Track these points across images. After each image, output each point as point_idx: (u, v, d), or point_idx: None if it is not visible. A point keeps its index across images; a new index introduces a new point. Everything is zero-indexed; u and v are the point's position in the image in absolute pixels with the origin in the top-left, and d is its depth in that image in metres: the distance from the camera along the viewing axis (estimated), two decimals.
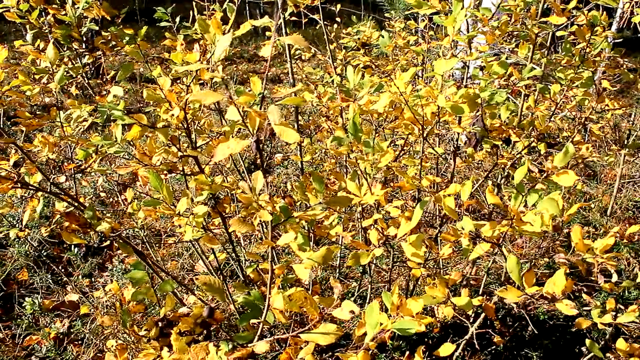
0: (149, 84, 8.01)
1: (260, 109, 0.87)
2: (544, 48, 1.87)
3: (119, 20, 1.31)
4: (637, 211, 4.31)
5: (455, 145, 5.25)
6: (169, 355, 1.28)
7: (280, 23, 1.85)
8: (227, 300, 0.97)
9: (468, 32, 5.00)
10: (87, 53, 1.25)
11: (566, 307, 0.94)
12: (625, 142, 2.93)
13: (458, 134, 2.42)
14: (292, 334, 0.90)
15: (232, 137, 1.29)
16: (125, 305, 1.68)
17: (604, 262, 1.00)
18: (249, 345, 1.00)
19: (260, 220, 0.91)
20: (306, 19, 2.26)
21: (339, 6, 2.97)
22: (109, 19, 1.22)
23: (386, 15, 5.39)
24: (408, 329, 0.83)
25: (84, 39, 1.32)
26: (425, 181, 1.37)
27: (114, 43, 1.39)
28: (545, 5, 1.75)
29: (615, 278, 1.05)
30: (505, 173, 1.99)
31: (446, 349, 1.08)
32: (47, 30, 1.29)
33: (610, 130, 4.67)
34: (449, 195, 1.11)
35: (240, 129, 1.42)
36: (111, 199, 4.47)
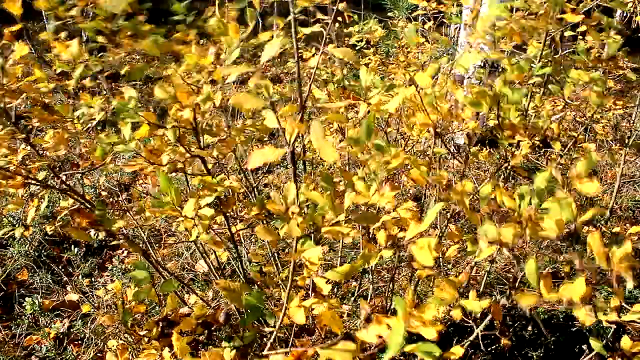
0: (150, 82, 7.98)
1: (301, 117, 0.87)
2: (552, 47, 1.86)
3: (141, 18, 1.30)
4: (637, 210, 4.32)
5: (455, 145, 5.24)
6: (171, 355, 1.28)
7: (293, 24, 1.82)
8: (242, 304, 0.96)
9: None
10: (111, 47, 1.24)
11: (585, 315, 0.94)
12: (627, 142, 2.94)
13: (460, 133, 2.42)
14: (311, 348, 0.89)
15: (239, 139, 1.28)
16: (127, 305, 1.67)
17: (620, 270, 0.99)
18: (264, 354, 0.99)
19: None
20: (314, 19, 2.25)
21: (341, 5, 2.95)
22: (131, 12, 1.21)
23: (389, 14, 5.39)
24: (432, 353, 0.82)
25: (110, 34, 1.30)
26: (444, 173, 1.36)
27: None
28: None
29: (630, 285, 1.05)
30: (507, 173, 1.99)
31: (456, 350, 1.08)
32: (70, 22, 1.28)
33: (610, 130, 4.68)
34: (462, 192, 1.10)
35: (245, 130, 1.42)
36: (111, 199, 4.46)
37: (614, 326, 1.87)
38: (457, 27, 5.98)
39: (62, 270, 3.55)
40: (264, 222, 1.89)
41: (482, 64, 4.80)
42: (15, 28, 1.30)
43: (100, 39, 1.20)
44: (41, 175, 1.42)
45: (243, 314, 2.42)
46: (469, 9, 5.21)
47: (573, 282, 0.97)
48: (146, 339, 1.41)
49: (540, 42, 1.57)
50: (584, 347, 2.87)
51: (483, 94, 1.22)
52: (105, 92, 1.81)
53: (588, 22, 1.57)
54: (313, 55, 3.85)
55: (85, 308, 2.81)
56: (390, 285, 2.73)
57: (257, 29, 1.16)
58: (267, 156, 0.76)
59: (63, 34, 1.33)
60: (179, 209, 1.12)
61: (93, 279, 3.54)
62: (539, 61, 1.55)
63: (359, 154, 1.02)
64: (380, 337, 0.85)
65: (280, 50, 0.85)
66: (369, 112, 1.25)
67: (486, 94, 1.22)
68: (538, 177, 1.04)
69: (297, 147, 5.50)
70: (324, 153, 0.72)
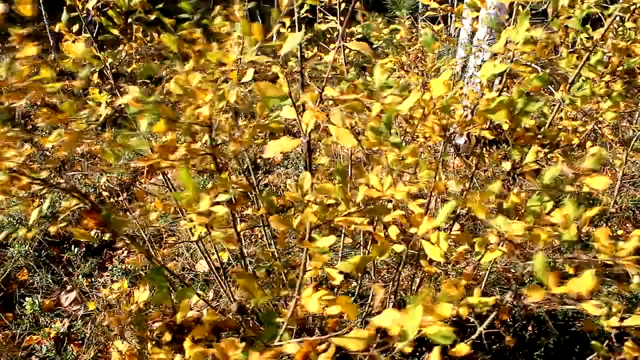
0: (151, 83, 7.97)
1: (318, 107, 0.88)
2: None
3: (154, 14, 1.31)
4: (637, 210, 4.34)
5: (455, 145, 5.24)
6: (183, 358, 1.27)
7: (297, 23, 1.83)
8: (257, 296, 0.96)
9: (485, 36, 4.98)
10: (125, 41, 1.24)
11: (593, 308, 0.94)
12: (628, 142, 2.95)
13: (460, 135, 2.42)
14: (324, 337, 0.89)
15: (255, 137, 1.28)
16: (133, 306, 1.66)
17: (627, 266, 1.00)
18: (275, 344, 0.99)
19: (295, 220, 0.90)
20: (323, 18, 2.27)
21: (343, 5, 2.97)
22: (142, 11, 1.21)
23: (395, 13, 5.41)
24: (446, 337, 0.82)
25: (124, 27, 1.31)
26: (465, 182, 1.36)
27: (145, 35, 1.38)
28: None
29: (636, 280, 1.06)
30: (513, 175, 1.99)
31: (461, 348, 1.08)
32: (84, 15, 1.28)
33: (610, 130, 4.71)
34: (478, 199, 1.11)
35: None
36: (112, 199, 4.46)
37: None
38: (457, 28, 6.00)
39: (62, 270, 3.54)
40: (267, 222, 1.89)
41: (481, 64, 4.80)
42: (25, 30, 1.30)
43: (115, 31, 1.20)
44: (44, 175, 1.42)
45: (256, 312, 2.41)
46: (469, 10, 5.23)
47: (580, 277, 0.98)
48: (153, 342, 1.41)
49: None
50: (584, 347, 2.88)
51: (501, 104, 1.22)
52: (112, 89, 1.81)
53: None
54: (314, 55, 3.84)
55: (90, 306, 2.80)
56: (391, 286, 2.73)
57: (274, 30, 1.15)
58: (283, 146, 0.76)
59: (75, 27, 1.33)
60: (195, 205, 1.11)
61: (93, 279, 3.53)
62: (572, 81, 1.55)
63: (376, 147, 1.03)
64: (395, 320, 0.85)
65: (299, 43, 0.86)
66: (381, 112, 1.26)
67: (503, 103, 1.23)
68: (547, 173, 1.04)
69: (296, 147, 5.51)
70: (343, 139, 0.73)
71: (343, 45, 2.05)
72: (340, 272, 1.03)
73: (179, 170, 0.99)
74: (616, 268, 1.01)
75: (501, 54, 1.39)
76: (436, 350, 0.87)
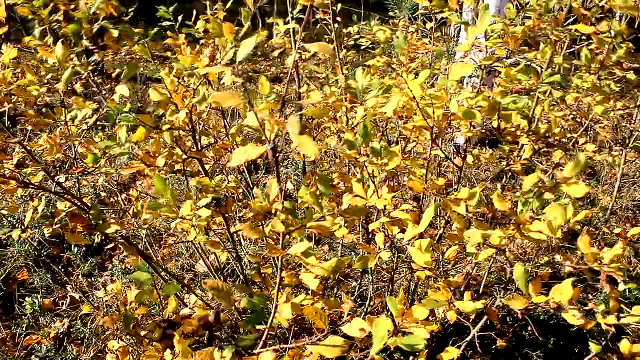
0: (150, 83, 7.98)
1: (282, 113, 0.87)
2: (560, 52, 1.86)
3: (127, 19, 1.30)
4: (637, 211, 4.32)
5: (455, 145, 5.22)
6: (172, 357, 1.28)
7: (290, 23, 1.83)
8: (232, 304, 0.96)
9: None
10: (97, 51, 1.24)
11: (573, 318, 0.94)
12: (627, 143, 2.93)
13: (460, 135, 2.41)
14: (300, 344, 0.90)
15: (237, 140, 1.28)
16: (128, 306, 1.67)
17: (612, 272, 1.00)
18: (255, 353, 0.99)
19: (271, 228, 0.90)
20: (313, 19, 2.26)
21: (340, 5, 2.95)
22: (116, 15, 1.20)
23: (390, 14, 5.39)
24: (415, 345, 0.82)
25: (93, 36, 1.30)
26: (441, 181, 1.36)
27: (124, 42, 1.37)
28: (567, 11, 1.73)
29: (622, 287, 1.05)
30: (507, 175, 1.98)
31: (450, 353, 1.08)
32: (56, 27, 1.27)
33: (610, 130, 4.70)
34: (458, 200, 1.10)
35: (243, 131, 1.42)
36: (111, 199, 4.46)
37: (613, 329, 1.86)
38: (457, 27, 5.98)
39: (62, 270, 3.55)
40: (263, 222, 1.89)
41: (479, 66, 4.78)
42: (1, 31, 1.29)
43: (85, 42, 1.19)
44: (37, 179, 1.42)
45: (242, 314, 2.42)
46: (470, 9, 5.21)
47: (560, 286, 0.98)
48: (147, 340, 1.41)
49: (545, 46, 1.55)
50: (584, 347, 2.88)
51: (481, 103, 1.22)
52: (104, 93, 1.81)
53: (595, 29, 1.56)
54: (313, 56, 3.83)
55: (85, 308, 2.81)
56: (390, 286, 2.73)
57: (256, 29, 1.16)
58: (248, 154, 0.76)
59: (50, 39, 1.32)
60: (176, 210, 1.12)
61: (93, 279, 3.54)
62: (547, 68, 1.54)
63: (361, 158, 1.02)
64: (362, 330, 0.86)
65: (254, 49, 0.85)
66: (366, 115, 1.25)
67: (485, 102, 1.22)
68: (526, 181, 1.03)
69: (295, 148, 5.49)
70: (304, 148, 0.72)
71: (339, 45, 2.04)
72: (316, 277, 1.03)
73: (154, 178, 0.99)
74: (601, 275, 1.01)
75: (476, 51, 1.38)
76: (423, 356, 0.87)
